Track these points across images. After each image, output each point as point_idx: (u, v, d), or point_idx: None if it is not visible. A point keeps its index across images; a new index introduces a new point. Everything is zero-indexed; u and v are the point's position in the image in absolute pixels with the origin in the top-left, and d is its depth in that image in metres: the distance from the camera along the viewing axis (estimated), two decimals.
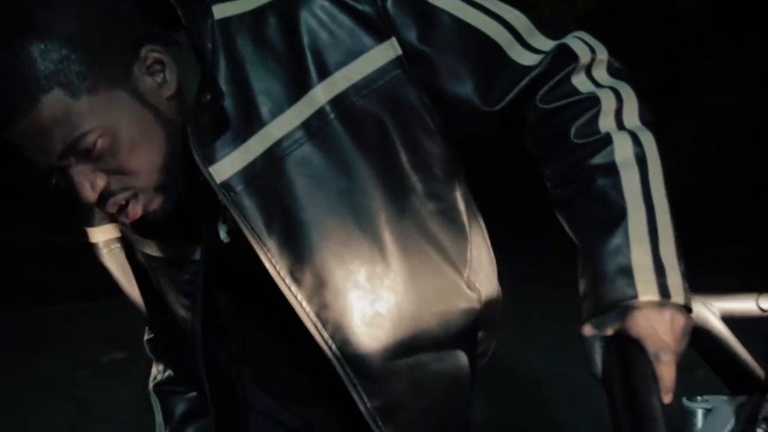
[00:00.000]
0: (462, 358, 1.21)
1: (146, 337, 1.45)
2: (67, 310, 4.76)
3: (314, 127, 1.07)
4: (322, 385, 1.25)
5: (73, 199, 1.04)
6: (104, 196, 1.05)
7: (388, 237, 1.10)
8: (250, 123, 1.08)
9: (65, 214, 1.27)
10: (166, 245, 1.21)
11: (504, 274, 1.34)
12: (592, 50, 1.07)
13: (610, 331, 0.96)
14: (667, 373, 0.94)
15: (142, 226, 1.18)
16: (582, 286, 1.00)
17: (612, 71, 1.07)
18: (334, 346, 1.12)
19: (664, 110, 6.84)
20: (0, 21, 0.98)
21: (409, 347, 1.14)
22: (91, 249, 1.29)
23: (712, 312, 1.14)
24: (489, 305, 1.27)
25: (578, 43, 1.07)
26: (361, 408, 1.14)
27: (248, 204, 1.08)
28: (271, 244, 1.09)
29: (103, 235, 1.28)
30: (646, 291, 0.95)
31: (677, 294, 0.96)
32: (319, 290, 1.10)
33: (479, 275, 1.24)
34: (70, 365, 3.88)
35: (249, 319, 1.29)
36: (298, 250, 1.09)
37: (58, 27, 0.97)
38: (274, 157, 1.08)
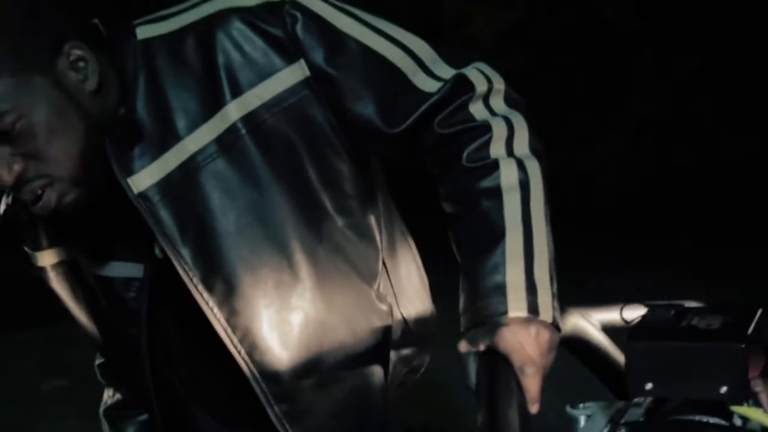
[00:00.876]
0: (373, 367, 1.25)
1: (97, 361, 1.46)
2: (6, 340, 4.65)
3: (226, 142, 1.14)
4: (250, 403, 1.27)
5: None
6: (21, 181, 1.09)
7: (296, 248, 1.16)
8: (167, 137, 1.14)
9: (6, 239, 1.27)
10: (112, 264, 1.25)
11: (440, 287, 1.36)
12: (489, 80, 1.13)
13: (481, 346, 1.00)
14: (532, 385, 0.98)
15: (88, 246, 1.25)
16: (461, 302, 1.06)
17: (508, 101, 1.14)
18: (243, 351, 1.17)
19: (600, 116, 7.01)
20: None
21: (316, 354, 1.19)
22: (36, 274, 1.31)
23: (591, 323, 1.19)
24: (419, 322, 1.32)
25: (476, 73, 1.13)
26: (269, 412, 1.19)
27: (164, 214, 1.15)
28: (185, 252, 1.15)
29: (50, 259, 1.30)
30: (516, 308, 1.01)
31: (545, 312, 1.02)
32: (229, 297, 1.16)
33: (406, 293, 1.30)
34: (9, 394, 3.78)
35: (189, 337, 1.31)
36: (210, 258, 1.15)
37: None
38: (188, 170, 1.14)
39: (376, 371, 1.25)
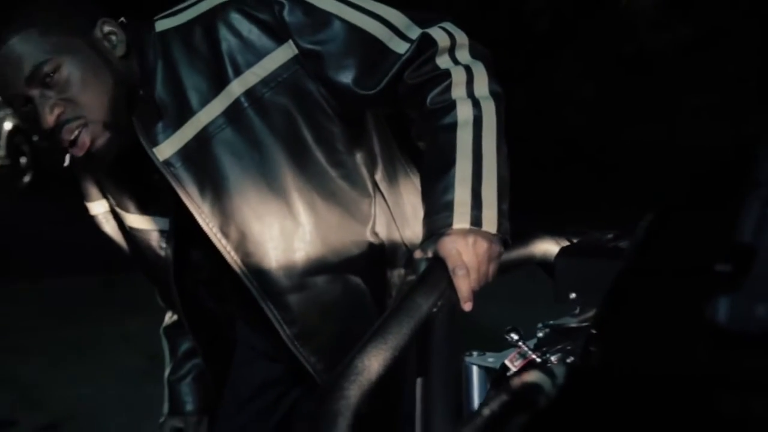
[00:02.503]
0: (372, 288, 1.43)
1: (156, 288, 1.70)
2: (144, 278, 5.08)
3: (232, 114, 1.35)
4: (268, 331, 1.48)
5: (37, 126, 1.33)
6: (60, 123, 1.32)
7: (296, 198, 1.36)
8: (183, 112, 1.36)
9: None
10: (145, 218, 1.51)
11: None
12: (451, 36, 1.30)
13: (429, 254, 1.16)
14: (462, 285, 1.12)
15: (125, 203, 1.50)
16: (422, 221, 1.21)
17: (473, 52, 1.31)
18: (257, 285, 1.38)
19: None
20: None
21: (318, 285, 1.39)
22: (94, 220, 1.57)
23: (559, 243, 1.28)
24: None
25: (439, 31, 1.31)
26: (282, 335, 1.40)
27: (185, 176, 1.37)
28: (204, 206, 1.37)
29: (99, 208, 1.56)
30: (460, 221, 1.16)
31: (489, 224, 1.17)
32: (242, 242, 1.37)
33: (409, 222, 1.47)
34: (146, 326, 4.15)
35: (216, 276, 1.55)
36: (225, 211, 1.37)
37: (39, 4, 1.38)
38: (203, 139, 1.36)
39: (372, 293, 1.43)
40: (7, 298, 4.84)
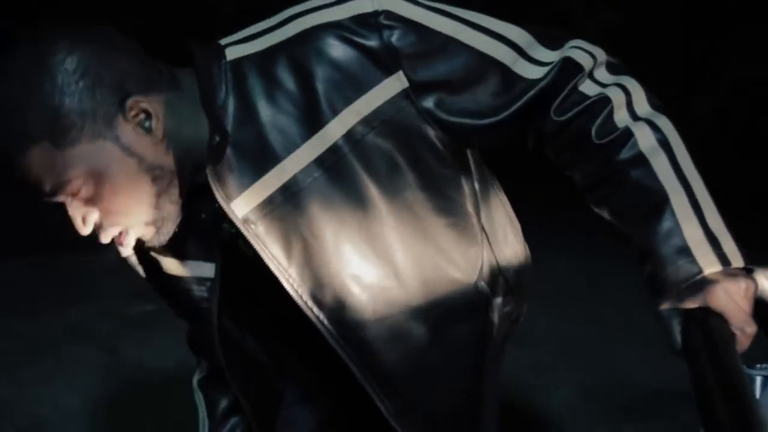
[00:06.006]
0: (472, 342, 1.28)
1: (187, 336, 1.51)
2: (97, 261, 4.82)
3: (328, 161, 1.13)
4: (340, 386, 1.34)
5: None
6: (97, 230, 1.13)
7: (401, 256, 1.17)
8: (265, 159, 1.13)
9: None
10: (184, 265, 1.29)
11: None
12: (593, 56, 1.12)
13: (688, 306, 1.01)
14: (747, 343, 1.00)
15: (165, 248, 1.25)
16: (645, 273, 1.06)
17: (611, 69, 1.13)
18: (357, 359, 1.20)
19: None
20: (2, 79, 1.05)
21: (423, 352, 1.22)
22: (122, 259, 1.36)
23: None
24: (518, 278, 1.35)
25: (579, 52, 1.12)
26: (381, 407, 1.23)
27: (268, 235, 1.15)
28: (292, 269, 1.16)
29: (131, 249, 1.33)
30: (709, 263, 1.02)
31: (735, 259, 1.03)
32: (339, 310, 1.18)
33: (505, 254, 1.32)
34: (100, 315, 3.95)
35: (276, 327, 1.38)
36: (317, 274, 1.16)
37: (46, 82, 1.03)
38: (290, 191, 1.14)
39: (480, 340, 1.29)
40: None
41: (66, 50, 1.05)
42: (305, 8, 1.14)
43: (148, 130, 1.09)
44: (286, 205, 1.14)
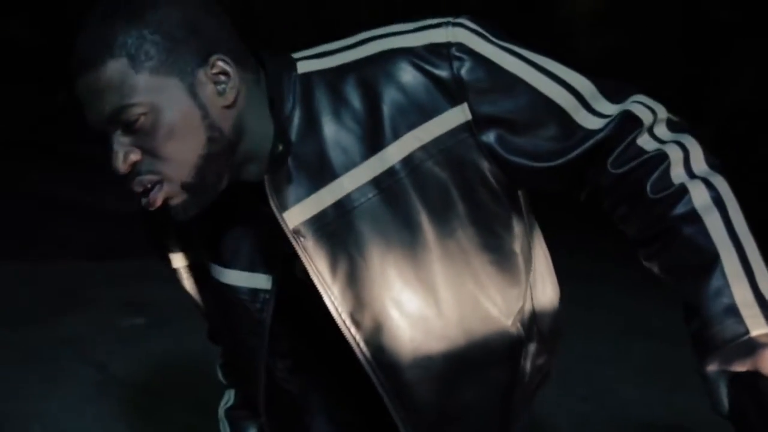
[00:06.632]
0: (504, 384, 1.27)
1: (219, 362, 1.50)
2: (88, 269, 4.79)
3: (384, 183, 1.14)
4: (374, 418, 1.32)
5: (109, 168, 1.09)
6: (133, 172, 1.10)
7: (442, 286, 1.17)
8: (323, 173, 1.15)
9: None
10: (241, 273, 1.27)
11: None
12: (653, 112, 1.13)
13: (737, 369, 0.98)
14: None
15: (218, 253, 1.27)
16: (691, 330, 1.04)
17: (671, 126, 1.13)
18: (387, 385, 1.19)
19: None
20: (112, 0, 1.09)
21: (453, 385, 1.21)
22: (172, 269, 1.36)
23: None
24: (552, 332, 1.34)
25: (640, 107, 1.13)
26: None
27: (316, 249, 1.16)
28: (335, 287, 1.17)
29: (182, 261, 1.35)
30: (756, 325, 0.99)
31: None
32: (376, 334, 1.18)
33: (544, 306, 1.31)
34: (91, 328, 3.93)
35: (312, 351, 1.37)
36: (359, 295, 1.17)
37: (148, 12, 1.07)
38: (344, 208, 1.15)
39: (510, 384, 1.28)
40: None
41: None
42: (384, 32, 1.17)
43: (221, 93, 1.10)
44: (337, 222, 1.15)
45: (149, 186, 1.10)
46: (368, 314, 1.17)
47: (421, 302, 1.17)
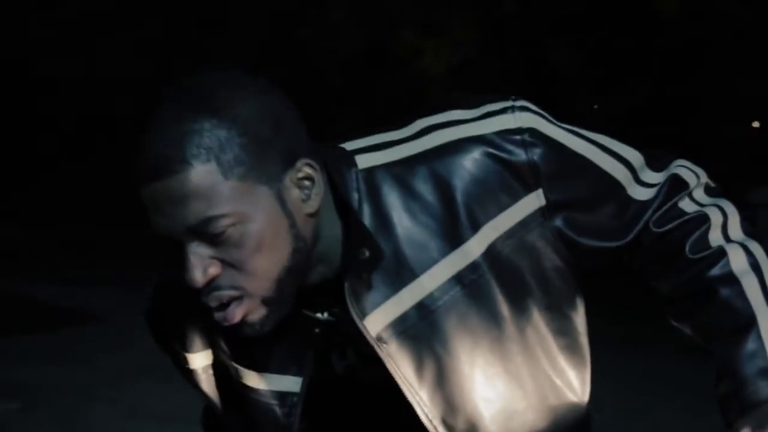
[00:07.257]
0: None
1: None
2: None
3: (466, 278, 1.10)
4: None
5: (182, 278, 1.01)
6: (211, 286, 1.03)
7: (526, 377, 1.15)
8: (401, 274, 1.10)
9: None
10: (267, 376, 1.19)
11: None
12: (696, 176, 1.16)
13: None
14: None
15: (244, 356, 1.19)
16: (722, 391, 1.06)
17: (709, 191, 1.17)
18: None
19: None
20: (185, 92, 1.01)
21: None
22: (188, 374, 1.26)
23: None
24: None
25: (685, 171, 1.16)
26: None
27: (401, 355, 1.11)
28: (423, 392, 1.12)
29: (201, 362, 1.25)
30: None
31: None
32: None
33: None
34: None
35: None
36: (449, 397, 1.12)
37: (233, 110, 1.00)
38: (426, 308, 1.10)
39: None
40: None
41: (262, 88, 1.03)
42: (443, 120, 1.13)
43: (305, 199, 1.04)
44: (420, 323, 1.10)
45: (226, 302, 1.03)
46: (461, 417, 1.12)
47: (509, 397, 1.14)
